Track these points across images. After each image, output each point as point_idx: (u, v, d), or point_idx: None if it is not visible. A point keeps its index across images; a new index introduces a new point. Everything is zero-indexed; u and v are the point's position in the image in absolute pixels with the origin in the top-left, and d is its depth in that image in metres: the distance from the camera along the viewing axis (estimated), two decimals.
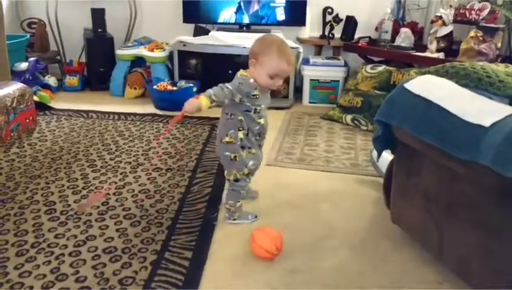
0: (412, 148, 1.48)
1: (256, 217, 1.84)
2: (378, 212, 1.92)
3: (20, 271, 1.49)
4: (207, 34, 3.43)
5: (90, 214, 1.84)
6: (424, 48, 3.19)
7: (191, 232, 1.74)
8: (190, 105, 1.61)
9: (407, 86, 1.46)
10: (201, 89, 3.23)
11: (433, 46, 3.11)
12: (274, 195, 2.06)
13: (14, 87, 2.64)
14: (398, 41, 3.28)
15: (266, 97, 1.73)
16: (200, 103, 1.60)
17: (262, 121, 1.73)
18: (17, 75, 3.15)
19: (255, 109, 1.70)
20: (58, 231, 1.72)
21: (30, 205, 1.90)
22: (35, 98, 2.95)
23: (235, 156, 1.72)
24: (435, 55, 3.03)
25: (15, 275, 1.48)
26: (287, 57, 1.64)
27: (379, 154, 1.70)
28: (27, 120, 2.69)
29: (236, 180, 1.76)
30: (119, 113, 3.05)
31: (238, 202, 1.80)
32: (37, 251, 1.60)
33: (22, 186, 2.04)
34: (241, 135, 1.71)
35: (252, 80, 1.67)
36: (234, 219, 1.80)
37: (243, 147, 1.72)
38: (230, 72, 3.39)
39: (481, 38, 2.83)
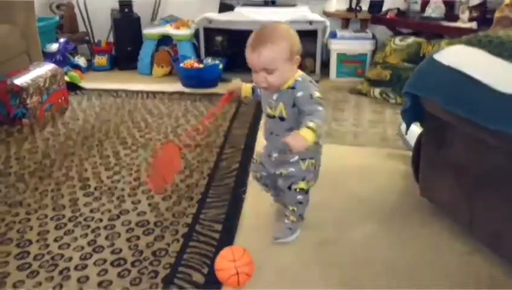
0: (442, 120, 1.46)
1: None
2: (407, 186, 1.91)
3: (59, 243, 1.57)
4: (232, 10, 3.41)
5: (123, 189, 1.90)
6: (456, 18, 3.09)
7: (221, 206, 1.77)
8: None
9: (436, 56, 1.43)
10: (227, 66, 3.24)
11: (465, 15, 3.01)
12: None
13: (46, 68, 2.72)
14: (428, 11, 3.18)
15: (268, 97, 1.43)
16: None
17: (266, 121, 1.50)
18: (48, 57, 3.23)
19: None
20: (93, 206, 1.79)
21: (66, 181, 1.97)
22: (66, 78, 3.02)
23: None
24: (467, 25, 2.93)
25: (55, 247, 1.55)
26: (251, 42, 1.35)
27: (408, 127, 1.68)
28: (59, 100, 2.76)
29: None
30: (147, 92, 3.09)
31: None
32: (74, 225, 1.67)
33: (58, 164, 2.12)
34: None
35: None
36: None
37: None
38: None
39: None
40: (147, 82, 3.36)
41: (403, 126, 2.09)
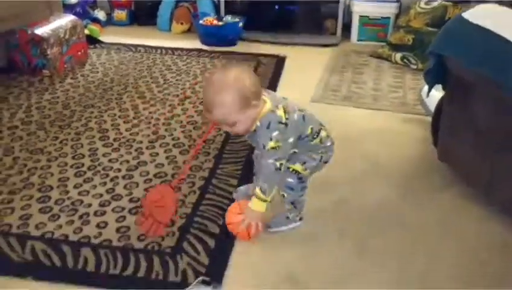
0: (466, 82, 1.44)
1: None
2: (425, 151, 1.90)
3: (79, 190, 1.61)
4: None
5: (141, 142, 1.93)
6: None
7: (237, 162, 1.79)
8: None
9: (465, 15, 1.39)
10: (247, 25, 3.20)
11: None
12: None
13: (66, 19, 2.71)
14: None
15: (250, 137, 1.40)
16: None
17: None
18: (68, 8, 3.20)
19: None
20: (112, 156, 1.82)
21: (85, 131, 2.00)
22: (86, 31, 3.01)
23: None
24: None
25: (75, 193, 1.59)
26: (203, 102, 1.32)
27: (429, 89, 1.66)
28: (79, 52, 2.76)
29: None
30: (166, 48, 3.08)
31: None
32: (93, 173, 1.71)
33: (77, 115, 2.15)
34: None
35: None
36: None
37: None
38: (276, 6, 3.35)
39: None
40: (166, 38, 3.33)
41: (424, 91, 2.06)
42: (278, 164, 1.28)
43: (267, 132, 1.27)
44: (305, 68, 2.81)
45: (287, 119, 1.28)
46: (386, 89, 2.54)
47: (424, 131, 2.02)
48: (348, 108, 2.32)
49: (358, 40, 3.34)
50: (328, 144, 1.41)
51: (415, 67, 2.83)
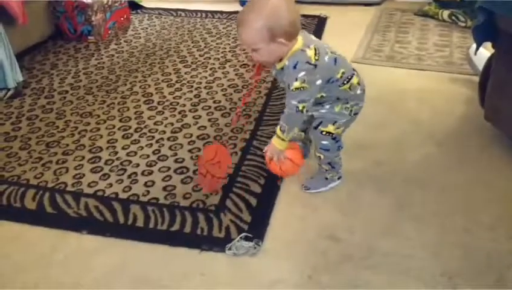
0: None
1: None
2: (470, 110, 1.85)
3: (127, 151, 1.69)
4: None
5: (184, 105, 1.97)
6: None
7: (277, 124, 1.80)
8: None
9: None
10: None
11: None
12: None
13: None
14: None
15: (275, 70, 1.35)
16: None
17: None
18: None
19: None
20: (156, 119, 1.88)
21: (130, 95, 2.07)
22: None
23: None
24: None
25: (123, 154, 1.67)
26: (236, 20, 1.29)
27: (478, 47, 1.59)
28: (122, 18, 2.82)
29: None
30: (206, 12, 3.08)
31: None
32: (140, 135, 1.78)
33: (122, 79, 2.21)
34: None
35: None
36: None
37: None
38: None
39: None
40: (206, 2, 3.33)
41: (472, 49, 1.99)
42: (300, 106, 1.25)
43: (294, 72, 1.23)
44: (347, 28, 2.75)
45: (316, 60, 1.24)
46: (431, 48, 2.45)
47: (469, 90, 1.96)
48: (390, 68, 2.27)
49: None
50: (358, 92, 1.36)
51: (463, 24, 2.71)
